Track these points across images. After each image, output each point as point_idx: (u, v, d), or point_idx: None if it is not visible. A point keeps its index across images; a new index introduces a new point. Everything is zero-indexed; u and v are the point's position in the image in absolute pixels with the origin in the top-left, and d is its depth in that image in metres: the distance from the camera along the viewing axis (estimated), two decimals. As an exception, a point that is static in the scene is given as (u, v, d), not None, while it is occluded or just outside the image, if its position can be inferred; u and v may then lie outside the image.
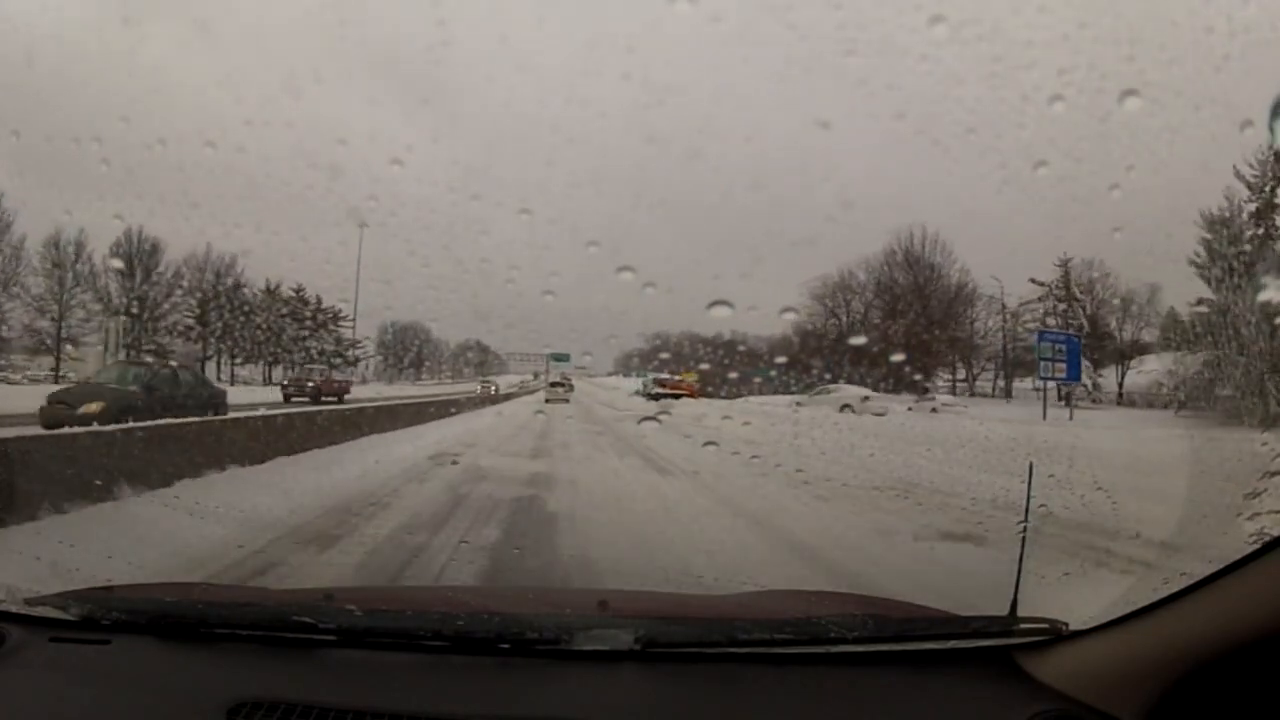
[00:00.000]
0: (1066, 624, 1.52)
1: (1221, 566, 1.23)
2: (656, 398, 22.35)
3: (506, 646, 1.57)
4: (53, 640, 1.62)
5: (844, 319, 24.57)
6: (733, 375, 20.38)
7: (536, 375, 27.24)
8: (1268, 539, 1.19)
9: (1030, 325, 22.56)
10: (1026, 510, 2.16)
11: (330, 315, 25.02)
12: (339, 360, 25.10)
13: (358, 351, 25.71)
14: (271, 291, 24.71)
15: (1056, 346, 19.66)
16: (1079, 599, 1.69)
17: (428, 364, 27.99)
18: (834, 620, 1.61)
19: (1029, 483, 2.31)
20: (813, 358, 21.98)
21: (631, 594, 2.89)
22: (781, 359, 21.03)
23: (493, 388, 25.87)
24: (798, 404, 18.13)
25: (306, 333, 24.74)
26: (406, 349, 26.67)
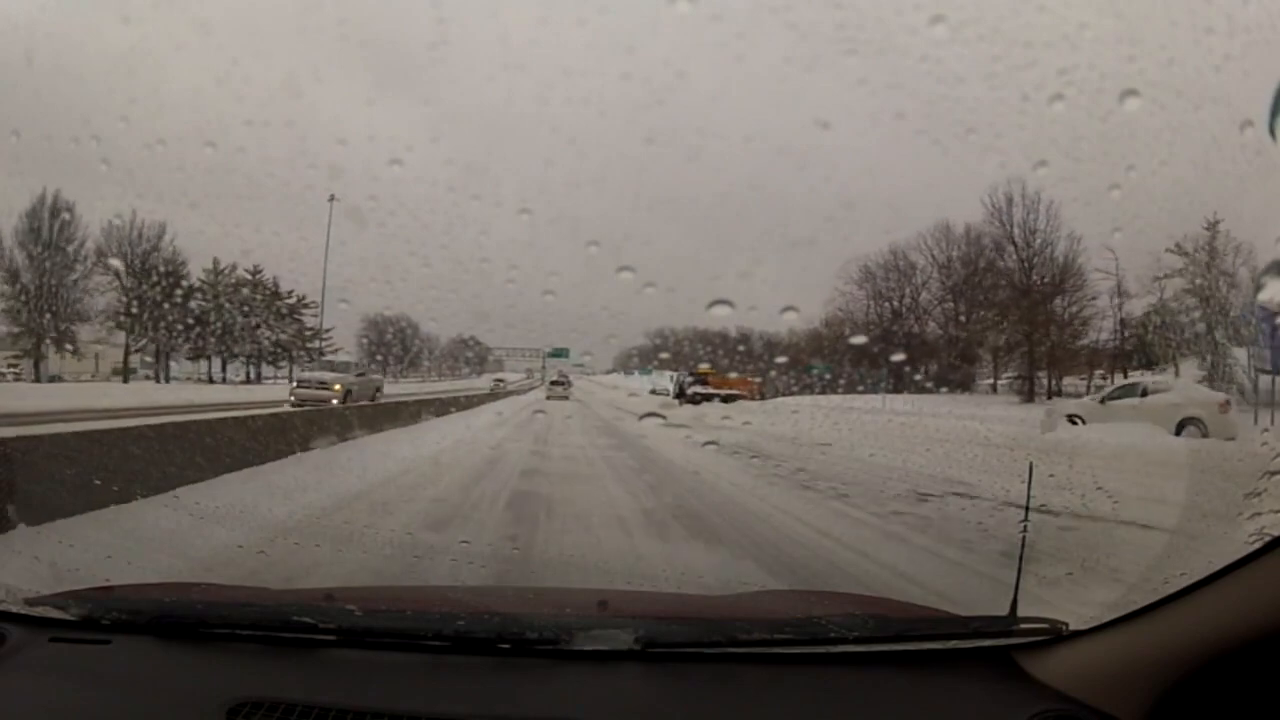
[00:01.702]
0: (1066, 624, 1.52)
1: (1221, 566, 1.23)
2: (694, 400, 16.68)
3: (506, 646, 1.57)
4: (53, 640, 1.62)
5: (897, 304, 20.92)
6: (783, 372, 17.27)
7: (530, 373, 25.21)
8: (1268, 539, 1.19)
9: (1172, 304, 17.35)
10: (1026, 510, 2.16)
11: (294, 302, 21.49)
12: (300, 354, 21.68)
13: (323, 343, 21.60)
14: (219, 273, 20.97)
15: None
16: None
17: (427, 362, 25.63)
18: (834, 620, 1.61)
19: (1029, 483, 2.31)
20: (852, 350, 18.99)
21: (631, 594, 2.89)
22: (782, 359, 18.45)
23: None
24: (1071, 419, 10.75)
25: (258, 320, 21.26)
26: (398, 345, 23.11)
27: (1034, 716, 1.32)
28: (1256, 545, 1.20)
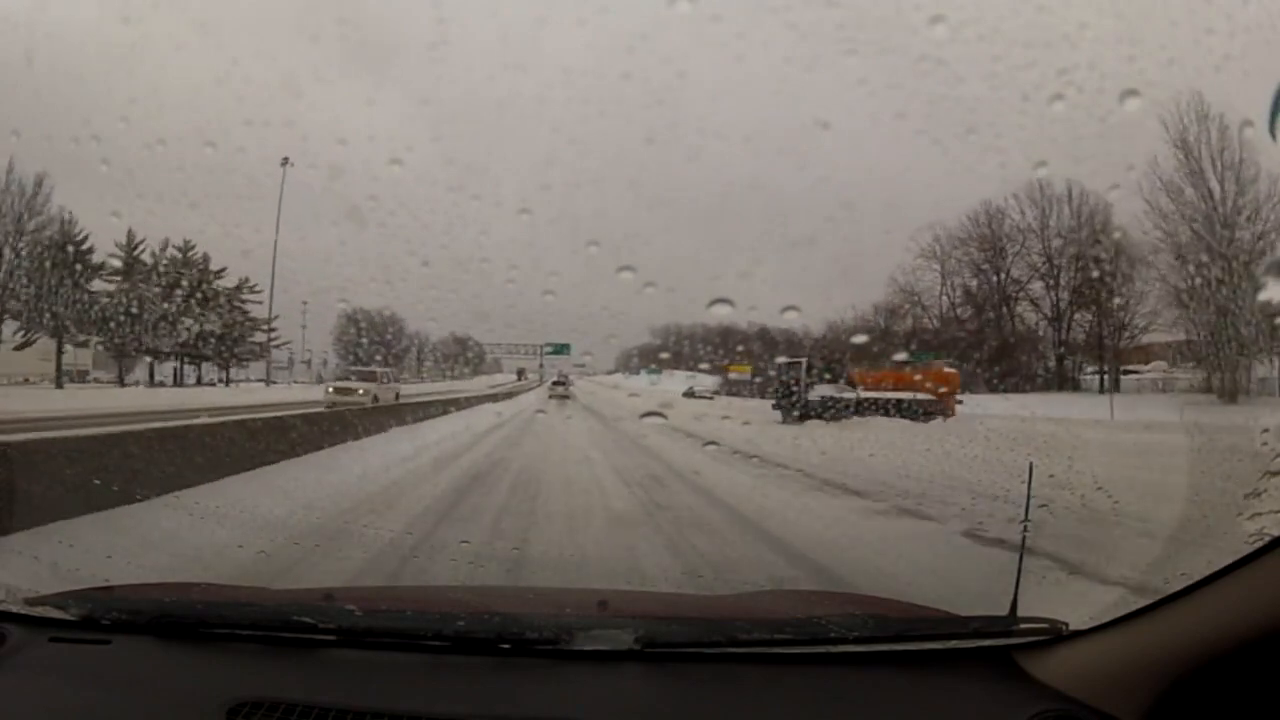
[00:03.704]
0: (1066, 624, 1.52)
1: (1221, 566, 1.23)
2: (818, 412, 9.86)
3: (506, 646, 1.57)
4: (53, 640, 1.62)
5: (995, 279, 17.80)
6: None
7: (523, 374, 23.34)
8: (1268, 539, 1.19)
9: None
10: (1026, 510, 2.16)
11: (234, 286, 16.83)
12: (239, 349, 17.28)
13: (270, 336, 17.26)
14: (135, 248, 15.84)
15: None
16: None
17: (429, 362, 23.07)
18: (834, 620, 1.61)
19: (1029, 483, 2.30)
20: (921, 341, 16.09)
21: (631, 594, 2.90)
22: (804, 348, 16.27)
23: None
24: None
25: (180, 307, 16.30)
26: (395, 344, 19.79)
27: (1034, 716, 1.32)
28: (1257, 545, 1.20)
